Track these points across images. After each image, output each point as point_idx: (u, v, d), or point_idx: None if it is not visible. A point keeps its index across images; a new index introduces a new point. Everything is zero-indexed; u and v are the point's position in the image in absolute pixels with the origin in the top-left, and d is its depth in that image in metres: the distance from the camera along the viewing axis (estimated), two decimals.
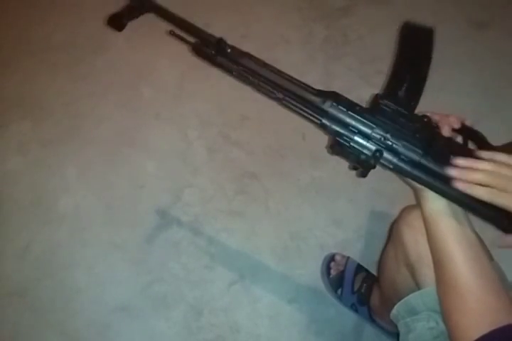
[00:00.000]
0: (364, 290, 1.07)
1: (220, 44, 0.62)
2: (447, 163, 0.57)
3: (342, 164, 1.29)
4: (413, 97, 0.61)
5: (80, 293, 1.18)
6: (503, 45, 1.48)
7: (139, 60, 1.53)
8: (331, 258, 1.15)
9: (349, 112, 0.59)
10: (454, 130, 0.61)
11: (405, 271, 0.73)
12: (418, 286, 0.68)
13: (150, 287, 1.17)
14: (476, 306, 0.54)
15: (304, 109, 0.61)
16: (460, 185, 0.55)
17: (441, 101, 1.27)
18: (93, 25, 1.64)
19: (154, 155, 1.38)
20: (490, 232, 0.60)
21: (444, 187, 0.57)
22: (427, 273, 0.65)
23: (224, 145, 1.37)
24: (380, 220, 1.21)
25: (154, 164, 1.36)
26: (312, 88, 0.61)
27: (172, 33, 0.65)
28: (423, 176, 0.58)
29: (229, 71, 0.63)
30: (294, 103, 0.61)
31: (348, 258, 1.15)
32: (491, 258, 0.62)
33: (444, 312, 0.58)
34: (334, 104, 0.59)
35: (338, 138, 0.59)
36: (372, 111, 0.59)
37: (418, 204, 0.66)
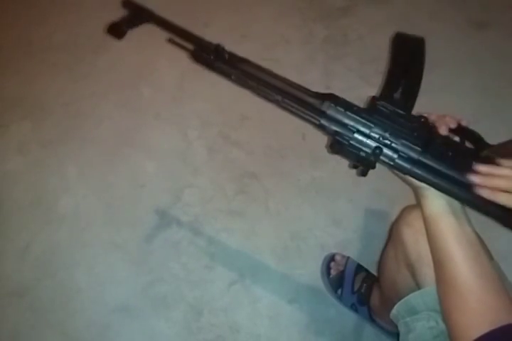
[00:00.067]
0: (364, 290, 1.07)
1: (217, 50, 0.64)
2: (464, 168, 0.57)
3: (342, 164, 1.29)
4: (409, 99, 0.62)
5: (80, 293, 1.18)
6: (503, 45, 1.48)
7: (139, 60, 1.53)
8: (331, 258, 1.15)
9: (347, 112, 0.60)
10: (450, 130, 0.61)
11: (405, 271, 0.73)
12: (418, 286, 0.68)
13: (150, 287, 1.17)
14: (476, 305, 0.54)
15: (303, 110, 0.62)
16: (483, 192, 0.55)
17: (441, 101, 1.27)
18: (93, 25, 1.64)
19: (154, 155, 1.38)
20: (490, 232, 0.61)
21: (445, 184, 0.58)
22: (427, 272, 0.65)
23: (224, 145, 1.37)
24: (379, 220, 1.21)
25: (154, 164, 1.36)
26: (310, 90, 0.62)
27: (171, 41, 0.67)
28: (423, 173, 0.58)
29: (227, 76, 0.64)
30: (293, 105, 0.62)
31: (348, 258, 1.15)
32: (490, 257, 0.62)
33: (444, 312, 0.58)
34: (332, 104, 0.60)
35: (337, 137, 0.60)
36: (370, 112, 0.60)
37: (418, 204, 0.66)
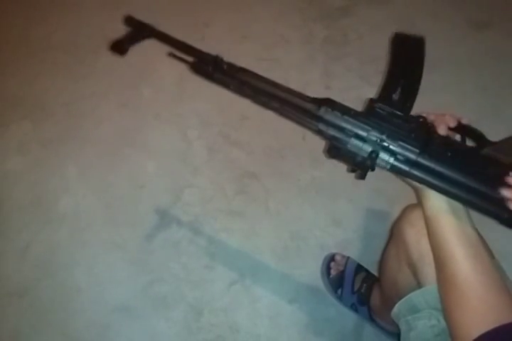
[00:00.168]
0: (364, 290, 1.07)
1: (216, 61, 0.66)
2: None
3: (342, 164, 1.29)
4: (408, 99, 0.62)
5: (80, 293, 1.18)
6: (502, 45, 1.48)
7: (140, 60, 1.53)
8: (331, 258, 1.15)
9: (344, 116, 0.60)
10: (451, 129, 0.61)
11: (407, 270, 0.73)
12: (419, 285, 0.68)
13: (150, 287, 1.17)
14: (478, 304, 0.54)
15: (301, 116, 0.63)
16: None
17: (441, 101, 1.27)
18: (93, 25, 1.64)
19: (154, 155, 1.38)
20: (490, 232, 0.61)
21: (444, 186, 0.58)
22: (428, 271, 0.65)
23: (224, 145, 1.37)
24: (380, 220, 1.22)
25: (154, 164, 1.36)
26: (307, 96, 0.63)
27: (172, 55, 0.69)
28: (421, 175, 0.59)
29: (227, 86, 0.67)
30: (291, 112, 0.63)
31: (348, 258, 1.15)
32: (492, 256, 0.62)
33: (445, 311, 0.59)
34: (329, 109, 0.61)
35: (334, 142, 0.61)
36: (367, 115, 0.60)
37: (419, 203, 0.66)
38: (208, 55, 0.67)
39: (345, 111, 0.61)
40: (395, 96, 0.62)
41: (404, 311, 0.69)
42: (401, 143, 0.58)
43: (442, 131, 0.60)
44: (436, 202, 0.60)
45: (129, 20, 0.73)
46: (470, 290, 0.55)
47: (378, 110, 0.60)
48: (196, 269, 1.19)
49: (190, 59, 0.69)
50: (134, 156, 1.38)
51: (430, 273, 0.64)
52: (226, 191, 1.30)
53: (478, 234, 0.60)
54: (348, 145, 0.60)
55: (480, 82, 1.41)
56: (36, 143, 1.42)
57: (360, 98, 1.36)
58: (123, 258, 1.21)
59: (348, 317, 1.10)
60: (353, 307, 1.08)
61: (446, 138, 0.60)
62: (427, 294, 0.65)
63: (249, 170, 1.32)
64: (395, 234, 0.77)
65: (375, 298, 1.04)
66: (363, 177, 0.62)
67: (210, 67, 0.66)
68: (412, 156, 0.58)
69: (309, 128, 0.63)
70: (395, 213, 1.09)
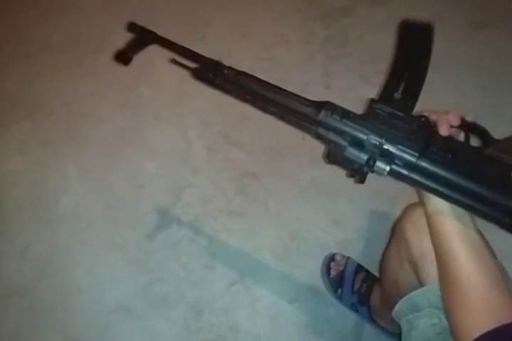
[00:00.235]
0: (364, 290, 1.07)
1: (218, 66, 0.67)
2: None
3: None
4: (410, 97, 0.61)
5: (80, 293, 1.18)
6: (502, 45, 1.48)
7: (140, 60, 1.52)
8: (331, 258, 1.15)
9: (343, 120, 0.60)
10: (455, 126, 0.60)
11: (408, 269, 0.73)
12: (421, 284, 0.68)
13: (150, 287, 1.17)
14: (479, 304, 0.54)
15: (300, 121, 0.63)
16: None
17: (441, 102, 1.27)
18: (93, 26, 1.64)
19: (154, 155, 1.38)
20: (491, 232, 0.60)
21: (443, 190, 0.57)
22: (430, 270, 0.65)
23: (224, 145, 1.37)
24: (380, 220, 1.21)
25: (154, 164, 1.36)
26: (306, 99, 0.63)
27: (174, 61, 0.70)
28: (420, 179, 0.58)
29: (228, 92, 0.67)
30: (290, 116, 0.63)
31: (348, 258, 1.15)
32: (494, 256, 0.62)
33: (447, 310, 0.59)
34: (328, 113, 0.61)
35: (333, 147, 0.61)
36: (367, 117, 0.60)
37: (421, 203, 0.66)
38: (210, 60, 0.67)
39: (344, 114, 0.60)
40: (397, 95, 0.61)
41: (405, 310, 0.69)
42: (400, 146, 0.58)
43: (444, 131, 0.59)
44: (439, 202, 0.60)
45: (132, 27, 0.73)
46: (472, 291, 0.55)
47: (378, 111, 0.59)
48: (196, 269, 1.19)
49: (192, 65, 0.69)
50: (133, 156, 1.38)
51: (432, 272, 0.64)
52: (226, 191, 1.30)
53: (481, 234, 0.60)
54: (346, 153, 0.60)
55: (480, 82, 1.41)
56: (36, 143, 1.42)
57: (360, 98, 1.37)
58: (123, 258, 1.21)
59: (348, 317, 1.10)
60: (353, 307, 1.08)
61: (448, 138, 0.59)
62: (428, 293, 0.65)
63: (249, 170, 1.32)
64: (396, 232, 0.78)
65: (375, 298, 1.04)
66: (362, 181, 0.61)
67: (211, 74, 0.67)
68: (412, 160, 0.57)
69: (309, 133, 0.63)
70: (395, 213, 1.09)
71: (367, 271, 1.13)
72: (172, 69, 1.53)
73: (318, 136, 0.62)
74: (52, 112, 1.47)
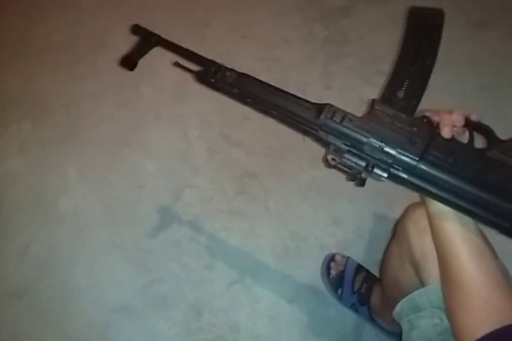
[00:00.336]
0: (364, 290, 1.07)
1: (220, 69, 0.67)
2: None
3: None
4: (414, 95, 0.60)
5: (80, 293, 1.18)
6: (502, 45, 1.48)
7: (140, 60, 1.53)
8: (331, 258, 1.15)
9: (343, 123, 0.60)
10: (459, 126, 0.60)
11: (409, 268, 0.73)
12: (422, 283, 0.68)
13: (150, 287, 1.17)
14: (481, 304, 0.54)
15: (300, 125, 0.63)
16: None
17: (441, 102, 1.27)
18: (93, 25, 1.64)
19: (154, 155, 1.38)
20: (494, 231, 0.60)
21: (441, 193, 0.57)
22: (431, 270, 0.65)
23: (224, 145, 1.37)
24: (380, 220, 1.21)
25: (154, 164, 1.36)
26: (307, 102, 0.63)
27: (176, 64, 0.71)
28: (420, 183, 0.57)
29: (229, 95, 0.67)
30: (290, 120, 0.63)
31: (348, 258, 1.15)
32: (495, 256, 0.62)
33: (449, 310, 0.59)
34: (328, 116, 0.60)
35: (332, 152, 0.61)
36: (367, 119, 0.59)
37: (423, 203, 0.66)
38: (212, 63, 0.68)
39: (344, 117, 0.60)
40: (400, 94, 0.60)
41: (406, 310, 0.69)
42: (400, 150, 0.57)
43: (446, 134, 0.57)
44: (440, 204, 0.60)
45: (136, 29, 0.73)
46: (474, 291, 0.55)
47: (379, 113, 0.59)
48: (196, 269, 1.19)
49: (194, 68, 0.70)
50: (133, 156, 1.38)
51: (433, 272, 0.64)
52: (226, 191, 1.30)
53: (482, 234, 0.60)
54: (344, 158, 0.60)
55: (480, 82, 1.41)
56: (36, 143, 1.42)
57: (360, 98, 1.37)
58: (123, 258, 1.21)
59: (348, 317, 1.10)
60: (353, 307, 1.08)
61: (450, 141, 0.58)
62: (430, 293, 0.65)
63: (249, 170, 1.32)
64: (398, 232, 0.77)
65: (376, 298, 1.04)
66: (362, 185, 0.62)
67: (213, 77, 0.67)
68: (411, 163, 0.57)
69: (309, 136, 0.63)
70: (396, 213, 1.09)
71: (367, 271, 1.13)
72: (172, 69, 1.53)
73: (319, 140, 0.62)
74: (52, 112, 1.47)
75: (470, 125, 0.60)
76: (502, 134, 0.59)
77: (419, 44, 0.63)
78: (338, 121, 0.60)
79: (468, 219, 0.59)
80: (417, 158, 0.57)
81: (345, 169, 0.61)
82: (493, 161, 0.57)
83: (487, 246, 0.59)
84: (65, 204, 1.31)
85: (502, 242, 0.68)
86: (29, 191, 1.34)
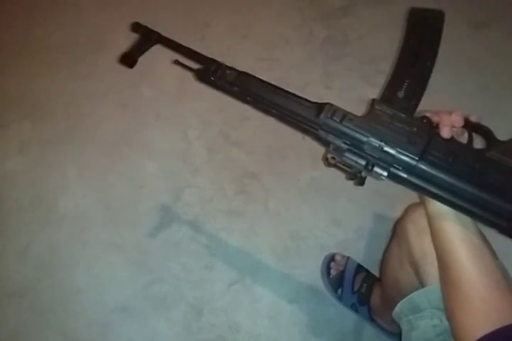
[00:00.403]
0: (364, 290, 1.07)
1: (220, 67, 0.67)
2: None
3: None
4: (414, 95, 0.60)
5: (80, 293, 1.18)
6: (502, 45, 1.48)
7: (140, 60, 1.53)
8: (331, 258, 1.15)
9: (343, 123, 0.60)
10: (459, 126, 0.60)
11: (409, 269, 0.73)
12: (422, 284, 0.68)
13: (150, 287, 1.17)
14: (480, 305, 0.54)
15: (300, 124, 0.63)
16: None
17: (441, 102, 1.27)
18: (93, 25, 1.64)
19: (154, 155, 1.38)
20: (493, 231, 0.60)
21: (441, 193, 0.57)
22: (431, 270, 0.65)
23: (224, 145, 1.37)
24: (380, 220, 1.21)
25: (154, 164, 1.36)
26: (307, 101, 0.62)
27: (176, 62, 0.70)
28: (419, 183, 0.57)
29: (229, 93, 0.67)
30: (290, 119, 0.63)
31: (348, 258, 1.15)
32: (495, 257, 0.62)
33: (448, 311, 0.59)
34: (328, 115, 0.60)
35: (332, 151, 0.61)
36: (367, 119, 0.59)
37: (422, 203, 0.66)
38: (212, 61, 0.67)
39: (344, 116, 0.60)
40: (400, 94, 0.60)
41: (406, 311, 0.69)
42: (400, 149, 0.57)
43: (446, 134, 0.57)
44: (440, 204, 0.60)
45: (136, 27, 0.73)
46: (473, 291, 0.55)
47: (379, 112, 0.59)
48: (196, 269, 1.19)
49: (194, 66, 0.69)
50: (133, 156, 1.38)
51: (432, 272, 0.64)
52: (226, 191, 1.30)
53: (482, 234, 0.60)
54: (344, 157, 0.60)
55: (480, 82, 1.41)
56: (36, 143, 1.42)
57: (360, 98, 1.37)
58: (123, 259, 1.21)
59: (348, 317, 1.10)
60: (353, 307, 1.08)
61: (449, 141, 0.58)
62: (429, 294, 0.65)
63: (249, 170, 1.32)
64: (397, 232, 0.77)
65: (376, 298, 1.04)
66: (361, 184, 0.62)
67: (213, 75, 0.67)
68: (411, 163, 0.57)
69: (309, 135, 0.63)
70: (396, 213, 1.09)
71: (367, 271, 1.13)
72: (172, 69, 1.54)
73: (318, 139, 0.62)
74: (52, 112, 1.47)
75: (469, 126, 0.60)
76: (502, 134, 0.59)
77: (419, 45, 0.63)
78: (338, 120, 0.60)
79: (468, 220, 0.59)
80: (417, 158, 0.57)
81: (345, 168, 0.61)
82: (492, 162, 0.57)
83: (486, 246, 0.59)
84: (65, 204, 1.31)
85: (502, 243, 0.68)
86: (29, 191, 1.34)
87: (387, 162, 0.58)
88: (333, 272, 1.13)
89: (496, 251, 0.65)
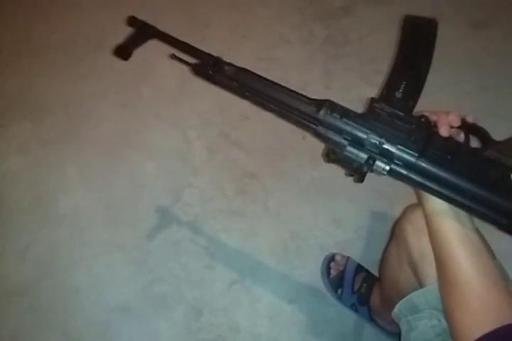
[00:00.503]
0: (364, 290, 1.07)
1: (217, 63, 0.66)
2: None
3: None
4: (412, 96, 0.61)
5: (80, 293, 1.18)
6: (501, 45, 1.48)
7: (140, 60, 1.53)
8: (331, 258, 1.15)
9: (343, 119, 0.60)
10: (456, 127, 0.60)
11: (408, 270, 0.73)
12: (420, 284, 0.68)
13: (150, 287, 1.17)
14: (478, 305, 0.54)
15: (300, 119, 0.63)
16: None
17: (440, 102, 1.27)
18: (93, 25, 1.64)
19: (154, 155, 1.38)
20: (492, 231, 0.60)
21: (440, 189, 0.57)
22: (429, 271, 0.65)
23: (224, 145, 1.37)
24: (380, 220, 1.21)
25: (154, 164, 1.36)
26: (306, 97, 0.62)
27: (173, 57, 0.69)
28: (419, 179, 0.58)
29: (227, 88, 0.67)
30: (289, 114, 0.63)
31: (348, 258, 1.15)
32: (493, 256, 0.62)
33: (446, 311, 0.59)
34: (328, 111, 0.60)
35: (332, 147, 0.61)
36: (367, 116, 0.60)
37: (420, 203, 0.66)
38: (210, 56, 0.67)
39: (344, 113, 0.60)
40: (398, 94, 0.61)
41: (405, 311, 0.69)
42: (400, 146, 0.58)
43: (444, 132, 0.58)
44: (437, 202, 0.60)
45: (132, 21, 0.73)
46: (471, 291, 0.55)
47: (379, 111, 0.59)
48: (196, 269, 1.19)
49: (191, 60, 0.69)
50: (133, 156, 1.38)
51: (431, 273, 0.64)
52: (226, 191, 1.30)
53: (479, 234, 0.60)
54: (345, 152, 0.60)
55: (480, 82, 1.41)
56: (36, 143, 1.42)
57: (360, 98, 1.37)
58: (123, 259, 1.21)
59: (348, 317, 1.10)
60: (353, 307, 1.08)
61: (448, 139, 0.59)
62: (428, 294, 0.65)
63: (249, 170, 1.32)
64: (396, 233, 0.77)
65: (375, 298, 1.04)
66: (361, 180, 0.61)
67: (211, 70, 0.66)
68: (411, 160, 0.57)
69: (308, 131, 0.63)
70: (395, 213, 1.09)
71: (367, 271, 1.13)
72: (172, 69, 1.54)
73: (318, 135, 0.62)
74: (52, 112, 1.47)
75: (466, 126, 0.61)
76: (502, 134, 0.60)
77: (414, 52, 0.64)
78: (338, 116, 0.60)
79: (466, 219, 0.59)
80: (417, 155, 0.57)
81: (345, 164, 0.61)
82: (490, 160, 0.58)
83: (484, 246, 0.59)
84: (65, 204, 1.31)
85: (501, 243, 0.68)
86: (29, 191, 1.34)
87: (388, 158, 0.58)
88: (333, 272, 1.13)
89: (495, 251, 0.65)
